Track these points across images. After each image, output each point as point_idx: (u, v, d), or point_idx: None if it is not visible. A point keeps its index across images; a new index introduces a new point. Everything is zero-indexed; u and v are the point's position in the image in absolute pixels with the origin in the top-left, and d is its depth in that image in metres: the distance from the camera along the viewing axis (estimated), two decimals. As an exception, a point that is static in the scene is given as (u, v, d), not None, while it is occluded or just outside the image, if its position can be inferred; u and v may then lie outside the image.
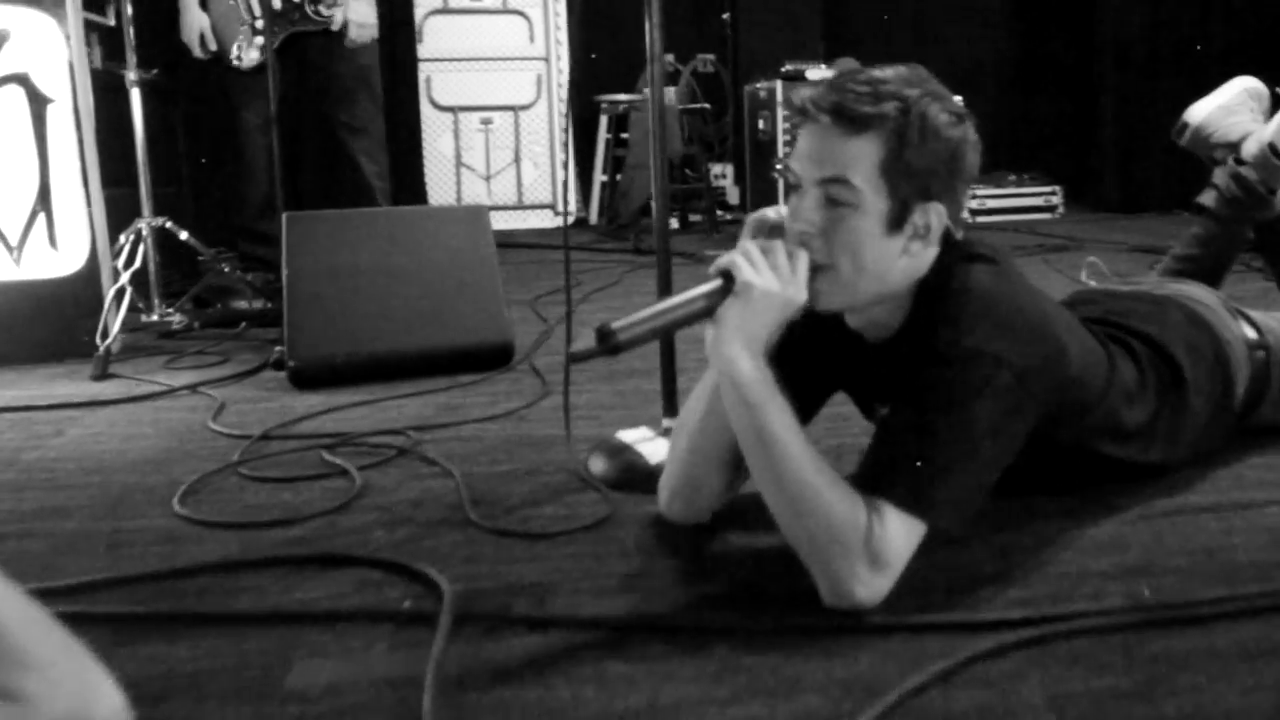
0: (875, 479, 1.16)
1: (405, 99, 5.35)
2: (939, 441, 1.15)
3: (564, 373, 1.80)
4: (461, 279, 2.55)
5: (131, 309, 2.95)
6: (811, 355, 1.36)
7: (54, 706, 0.77)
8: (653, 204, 1.73)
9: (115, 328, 2.69)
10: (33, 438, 2.08)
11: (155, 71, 2.91)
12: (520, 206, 5.73)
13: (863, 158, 1.17)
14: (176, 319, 3.08)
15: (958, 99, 1.25)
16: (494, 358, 2.49)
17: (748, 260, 1.16)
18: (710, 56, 5.57)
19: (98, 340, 2.62)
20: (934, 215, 1.21)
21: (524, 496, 1.61)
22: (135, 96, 2.86)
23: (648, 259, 4.10)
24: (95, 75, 2.89)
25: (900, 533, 1.13)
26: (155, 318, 3.05)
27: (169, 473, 1.79)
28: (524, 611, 1.20)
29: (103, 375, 2.56)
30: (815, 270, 1.20)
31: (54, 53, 2.66)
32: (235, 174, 3.26)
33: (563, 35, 5.71)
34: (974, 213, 5.47)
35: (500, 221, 4.69)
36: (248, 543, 1.47)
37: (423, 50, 5.58)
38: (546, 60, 5.72)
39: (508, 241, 4.12)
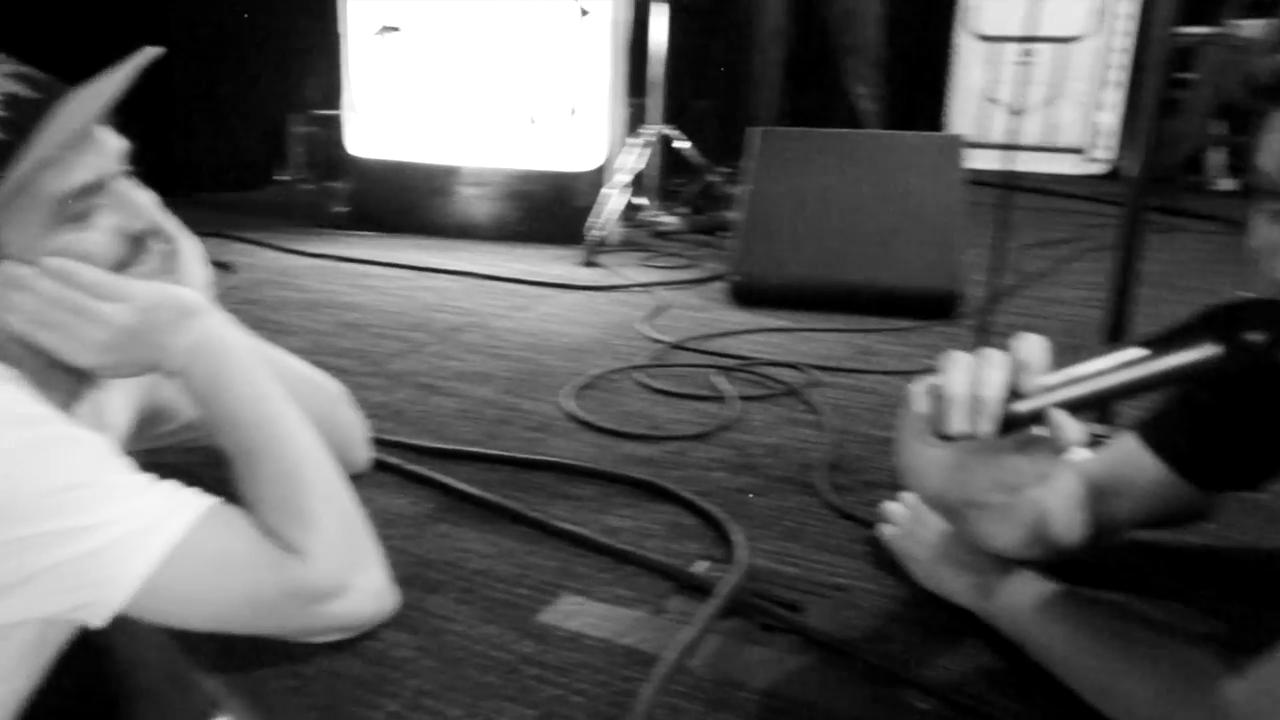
0: None
1: (937, 26, 4.87)
2: None
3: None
4: (920, 214, 2.22)
5: (631, 208, 3.06)
6: None
7: (321, 565, 0.81)
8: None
9: (608, 221, 2.80)
10: (511, 307, 2.24)
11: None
12: (1048, 149, 4.99)
13: None
14: (666, 220, 3.14)
15: None
16: (936, 306, 2.15)
17: None
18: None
19: (590, 231, 2.75)
20: None
21: (891, 473, 1.33)
22: (660, 12, 2.90)
23: (1184, 221, 3.33)
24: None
25: None
26: (650, 217, 3.14)
27: (583, 363, 1.80)
28: (816, 623, 0.96)
29: (590, 262, 2.69)
30: None
31: (597, -34, 2.78)
32: (747, 85, 3.19)
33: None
34: None
35: (1025, 163, 4.12)
36: (604, 449, 1.40)
37: (972, -21, 4.99)
38: (1117, -13, 4.81)
39: (1023, 184, 3.57)
